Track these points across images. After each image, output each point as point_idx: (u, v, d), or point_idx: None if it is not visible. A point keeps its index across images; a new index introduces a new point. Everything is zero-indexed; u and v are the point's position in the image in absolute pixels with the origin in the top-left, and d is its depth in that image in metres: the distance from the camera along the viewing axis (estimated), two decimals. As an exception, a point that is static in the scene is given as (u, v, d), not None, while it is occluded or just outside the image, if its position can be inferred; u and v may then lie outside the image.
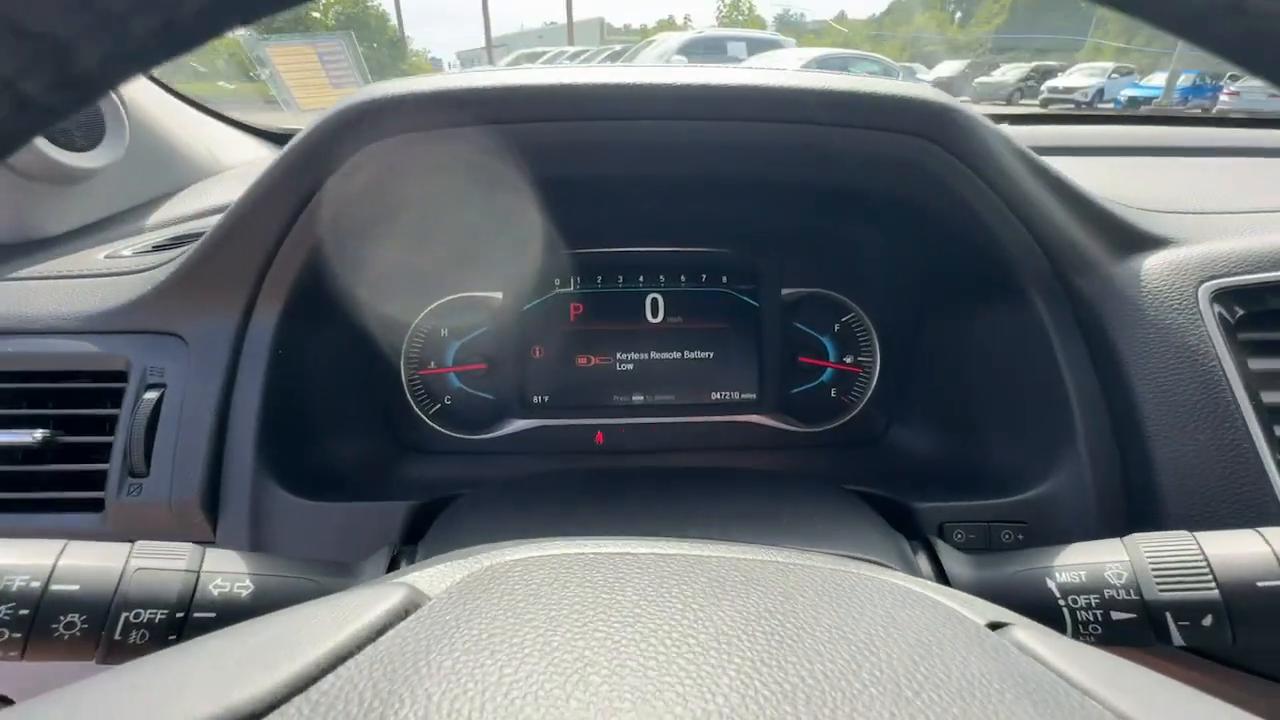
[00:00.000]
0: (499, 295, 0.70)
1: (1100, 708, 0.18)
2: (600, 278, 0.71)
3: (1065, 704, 0.18)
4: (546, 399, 0.71)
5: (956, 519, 0.46)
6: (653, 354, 0.70)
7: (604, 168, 0.48)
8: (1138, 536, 0.33)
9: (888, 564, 0.34)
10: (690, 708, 0.17)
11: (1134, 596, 0.30)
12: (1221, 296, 0.40)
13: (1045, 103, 20.15)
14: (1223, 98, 17.80)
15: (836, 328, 0.71)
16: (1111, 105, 19.34)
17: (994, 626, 0.24)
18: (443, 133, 0.43)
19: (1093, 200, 0.44)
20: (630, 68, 0.46)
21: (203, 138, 0.97)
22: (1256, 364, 0.40)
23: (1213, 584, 0.28)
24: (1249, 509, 0.39)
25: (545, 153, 0.45)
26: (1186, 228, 0.46)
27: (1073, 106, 19.73)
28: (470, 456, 0.68)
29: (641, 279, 0.71)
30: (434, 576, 0.25)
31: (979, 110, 0.47)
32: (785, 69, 0.47)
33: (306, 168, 0.44)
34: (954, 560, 0.38)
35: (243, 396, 0.48)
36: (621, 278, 0.71)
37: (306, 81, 4.36)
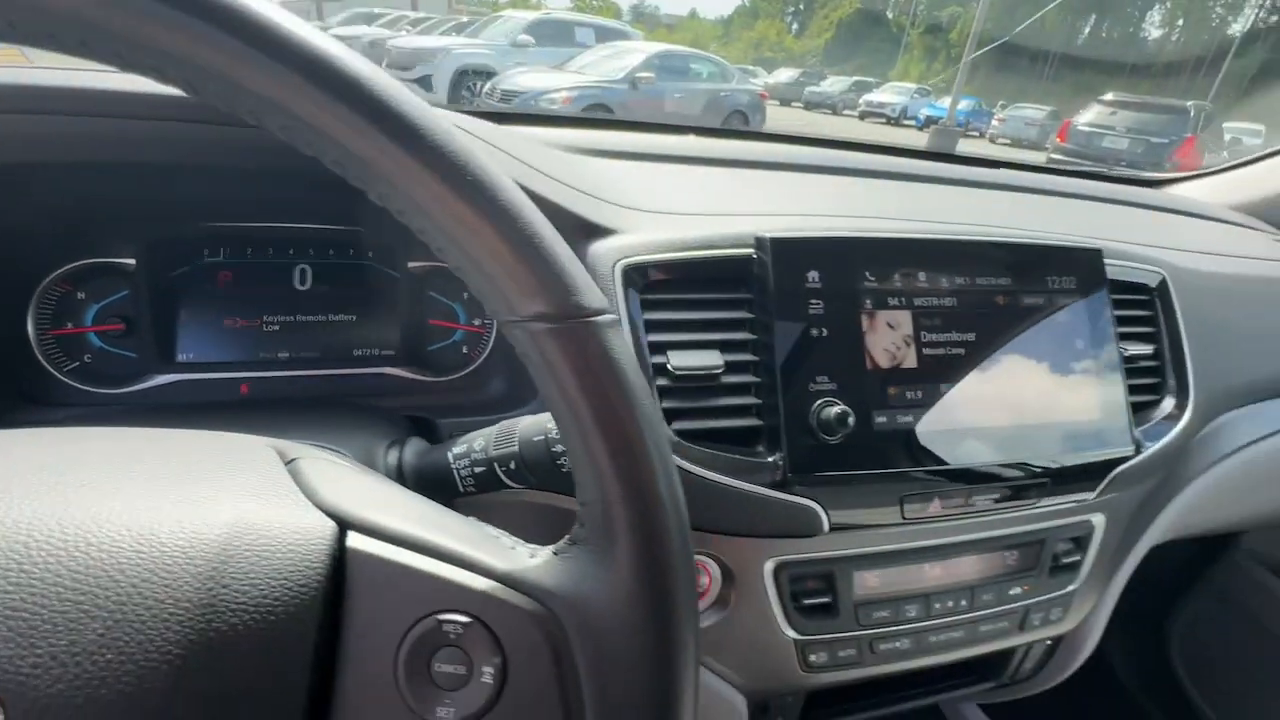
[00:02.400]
0: (133, 262, 0.75)
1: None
2: (250, 250, 0.79)
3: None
4: (191, 356, 0.78)
5: (458, 431, 0.62)
6: (299, 316, 0.80)
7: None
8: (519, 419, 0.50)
9: (324, 446, 0.48)
10: None
11: (485, 455, 0.46)
12: (629, 273, 0.47)
13: (863, 115, 22.77)
14: (994, 123, 21.21)
15: (466, 295, 0.86)
16: (914, 122, 22.21)
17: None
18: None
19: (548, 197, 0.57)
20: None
21: None
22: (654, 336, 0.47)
23: (515, 442, 0.45)
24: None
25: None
26: (638, 221, 0.56)
27: (884, 120, 22.43)
28: (111, 409, 0.73)
29: (291, 251, 0.80)
30: None
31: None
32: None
33: None
34: (410, 450, 0.52)
35: None
36: (271, 249, 0.79)
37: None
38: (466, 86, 8.14)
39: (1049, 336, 0.55)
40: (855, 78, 27.21)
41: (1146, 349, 0.60)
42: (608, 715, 0.26)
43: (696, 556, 0.48)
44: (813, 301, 0.48)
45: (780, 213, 0.61)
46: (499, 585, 0.26)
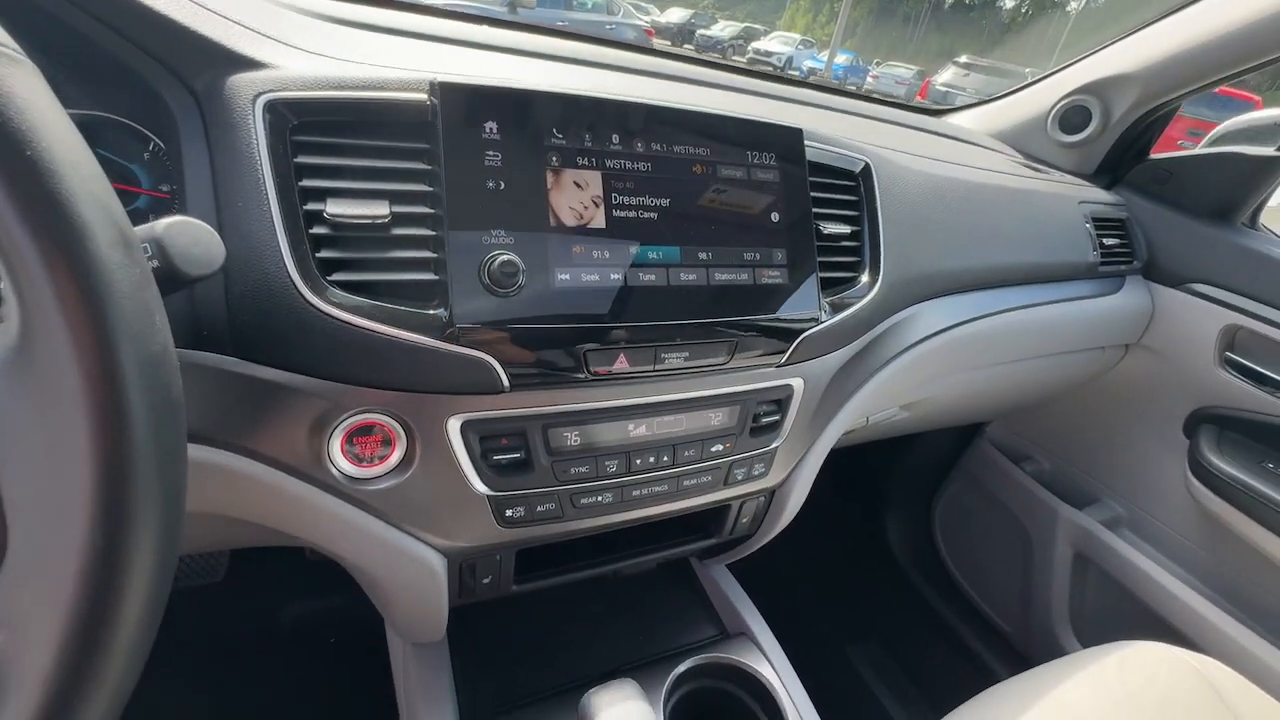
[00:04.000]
0: None
1: None
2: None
3: None
4: None
5: None
6: None
7: None
8: None
9: None
10: None
11: None
12: (274, 108, 0.43)
13: (751, 63, 23.00)
14: (869, 79, 22.26)
15: None
16: (797, 73, 22.76)
17: None
18: None
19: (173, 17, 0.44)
20: None
21: None
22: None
23: None
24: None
25: None
26: (295, 59, 0.47)
27: (770, 69, 22.76)
28: None
29: None
30: None
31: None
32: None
33: None
34: None
35: None
36: None
37: None
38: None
39: (744, 207, 0.58)
40: (744, 24, 27.34)
41: (845, 229, 0.66)
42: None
43: (375, 416, 0.48)
44: (490, 153, 0.47)
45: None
46: None
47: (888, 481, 1.59)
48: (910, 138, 1.03)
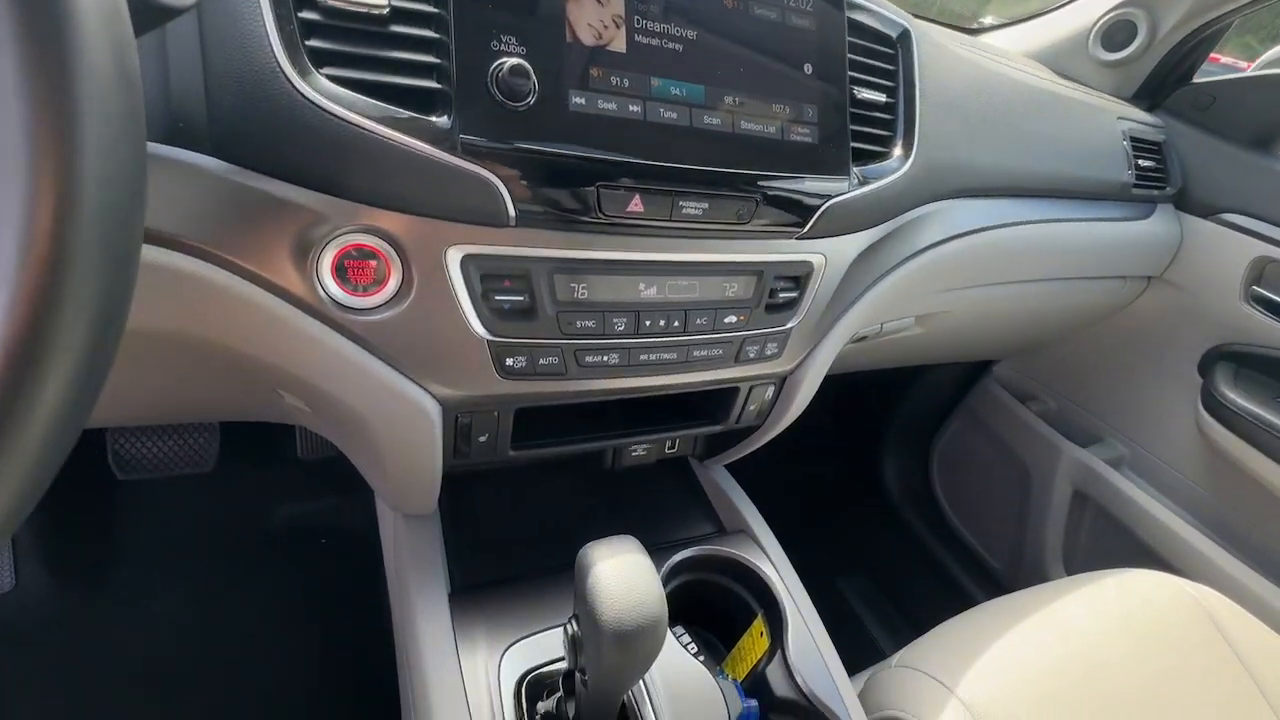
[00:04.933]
0: None
1: None
2: None
3: None
4: None
5: None
6: None
7: None
8: None
9: None
10: None
11: None
12: None
13: None
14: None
15: None
16: None
17: None
18: None
19: None
20: None
21: None
22: None
23: None
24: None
25: None
26: None
27: None
28: None
29: None
30: None
31: None
32: None
33: None
34: None
35: None
36: None
37: None
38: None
39: (776, 55, 0.53)
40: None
41: (880, 97, 0.61)
42: None
43: (368, 239, 0.44)
44: (502, -51, 0.42)
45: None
46: None
47: (888, 421, 1.58)
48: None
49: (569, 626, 0.46)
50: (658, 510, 0.80)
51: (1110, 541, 1.22)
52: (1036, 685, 0.70)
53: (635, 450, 0.74)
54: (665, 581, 0.69)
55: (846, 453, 1.64)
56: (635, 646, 0.41)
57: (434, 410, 0.51)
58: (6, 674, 0.99)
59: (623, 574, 0.42)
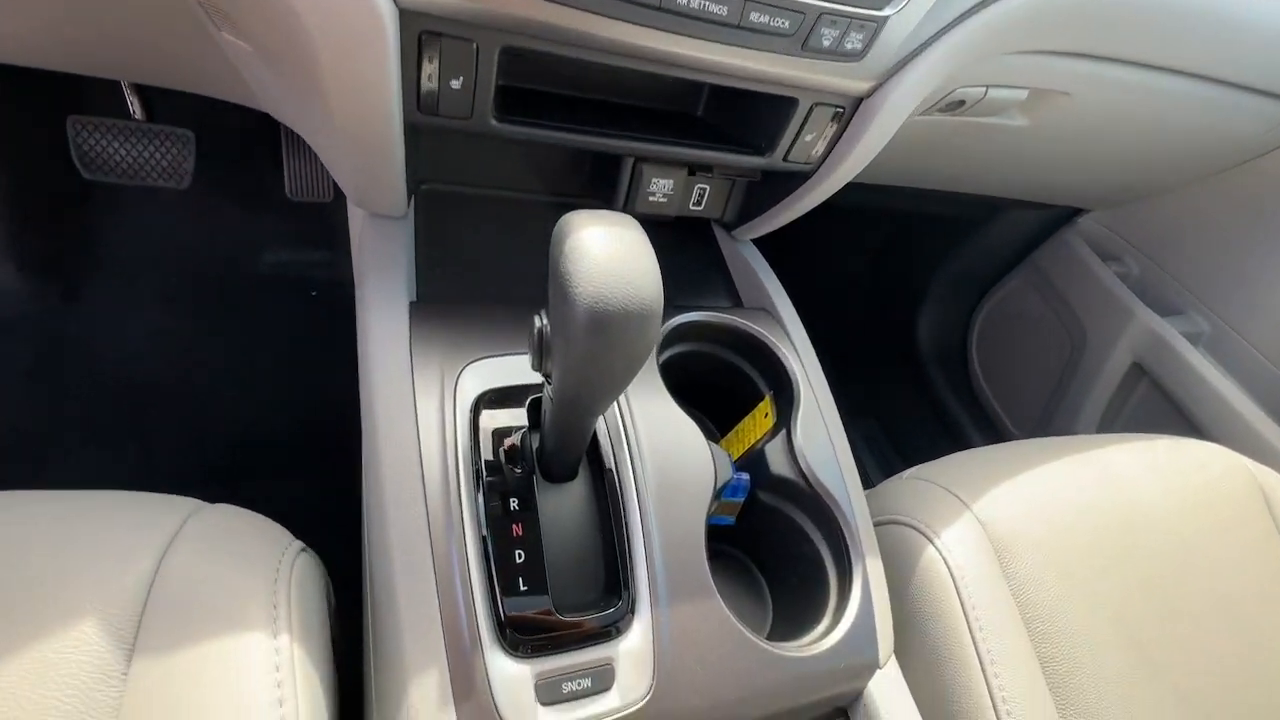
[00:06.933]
0: None
1: None
2: None
3: None
4: None
5: None
6: None
7: None
8: None
9: None
10: None
11: None
12: None
13: None
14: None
15: None
16: None
17: None
18: None
19: None
20: None
21: None
22: None
23: None
24: None
25: None
26: None
27: None
28: None
29: None
30: None
31: None
32: None
33: None
34: None
35: None
36: None
37: None
38: None
39: None
40: None
41: None
42: None
43: None
44: None
45: None
46: None
47: (935, 274, 1.42)
48: None
49: (537, 319, 0.36)
50: (668, 275, 0.68)
51: (1160, 420, 1.11)
52: (1063, 518, 0.62)
53: (654, 188, 0.61)
54: (661, 350, 0.59)
55: (880, 303, 1.50)
56: (615, 338, 0.30)
57: (386, 9, 0.37)
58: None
59: (610, 244, 0.31)
